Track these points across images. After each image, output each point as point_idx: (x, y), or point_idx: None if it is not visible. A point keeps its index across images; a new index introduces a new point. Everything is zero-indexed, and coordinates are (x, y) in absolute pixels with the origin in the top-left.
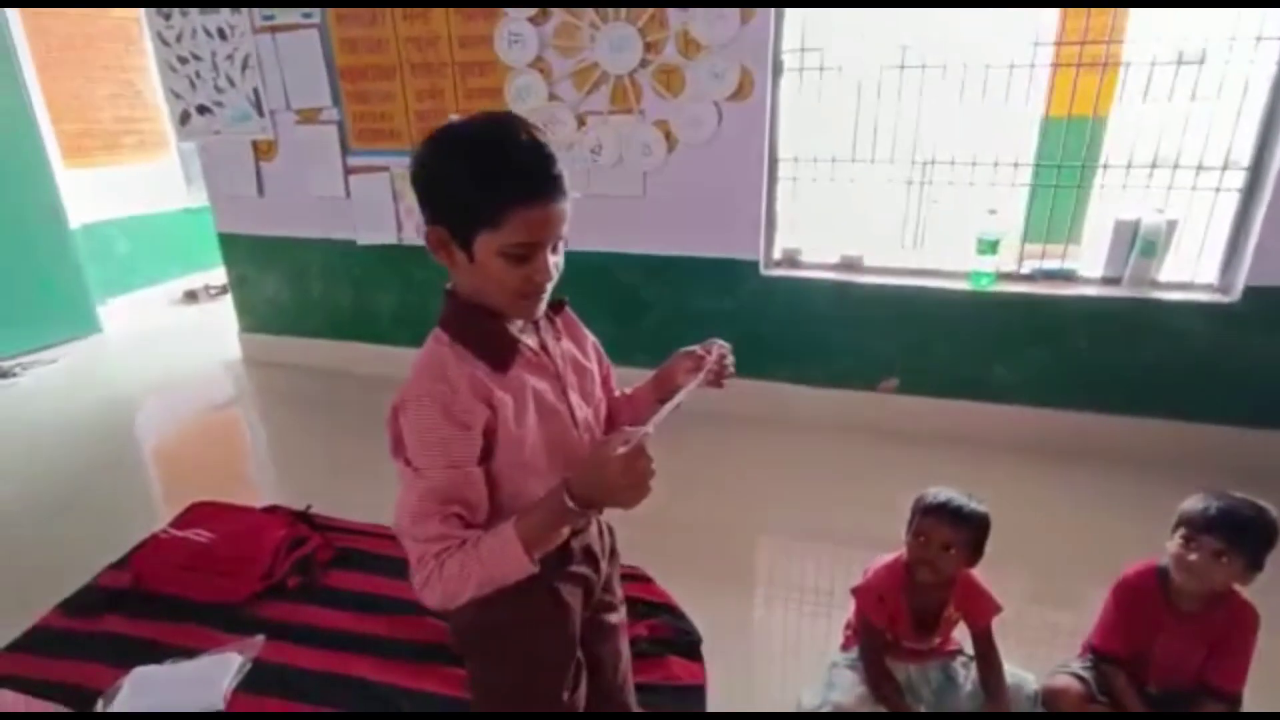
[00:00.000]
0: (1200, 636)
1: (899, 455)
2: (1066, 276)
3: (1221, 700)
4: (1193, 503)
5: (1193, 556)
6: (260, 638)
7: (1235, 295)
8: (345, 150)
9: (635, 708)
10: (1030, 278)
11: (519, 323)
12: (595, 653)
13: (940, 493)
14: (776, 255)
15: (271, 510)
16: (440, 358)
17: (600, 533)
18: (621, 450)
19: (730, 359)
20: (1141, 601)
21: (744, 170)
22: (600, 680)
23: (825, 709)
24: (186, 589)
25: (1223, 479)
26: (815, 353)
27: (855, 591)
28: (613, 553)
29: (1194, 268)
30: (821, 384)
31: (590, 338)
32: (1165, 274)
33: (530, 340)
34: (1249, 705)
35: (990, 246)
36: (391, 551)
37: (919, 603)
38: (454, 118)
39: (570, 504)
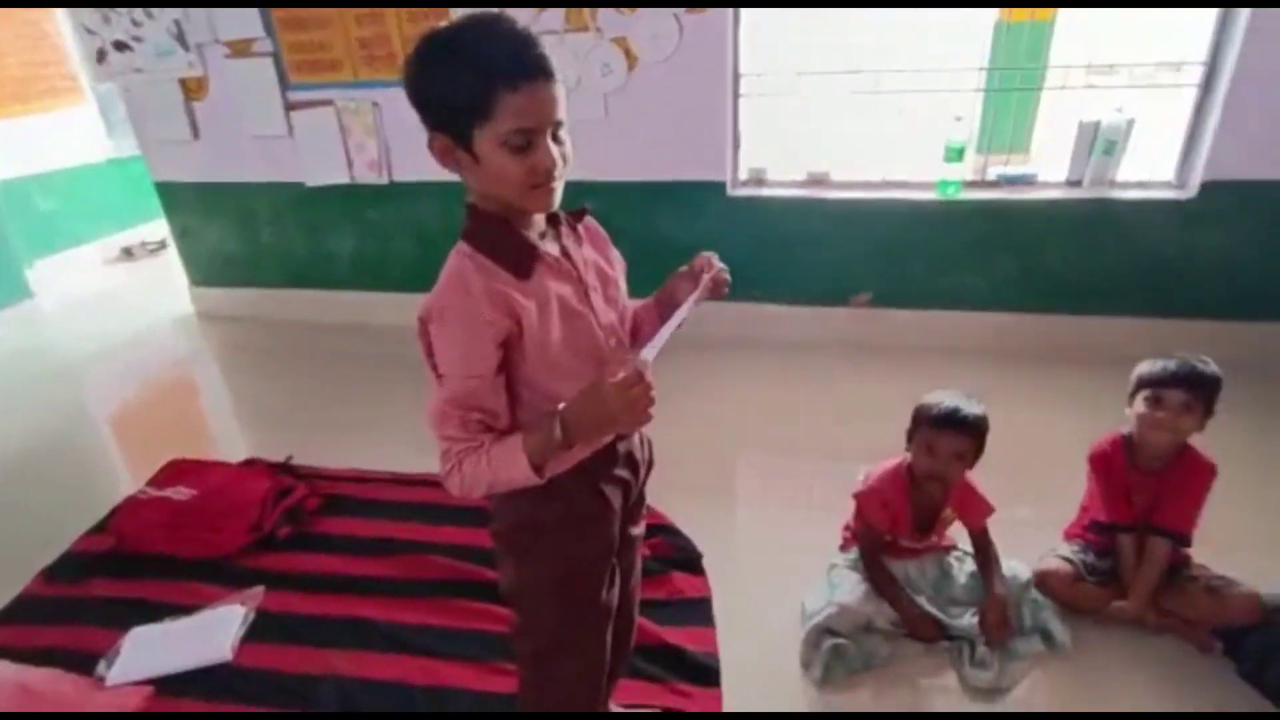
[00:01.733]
0: (1163, 490)
1: (875, 367)
2: (1029, 181)
3: (1168, 538)
4: (1149, 366)
5: (1161, 413)
6: (260, 588)
7: (1193, 191)
8: (284, 84)
9: (637, 619)
10: (995, 184)
11: (538, 230)
12: (618, 561)
13: (943, 400)
14: (743, 175)
15: (250, 464)
16: (462, 270)
17: (641, 442)
18: (620, 375)
19: (723, 266)
20: (1113, 467)
21: (708, 87)
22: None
23: (830, 610)
24: (173, 546)
25: None
26: (787, 271)
27: (858, 496)
28: (649, 464)
29: (1152, 167)
30: (794, 302)
31: (615, 250)
32: (1126, 174)
33: (551, 247)
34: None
35: (957, 153)
36: (382, 495)
37: (920, 505)
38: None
39: (557, 433)
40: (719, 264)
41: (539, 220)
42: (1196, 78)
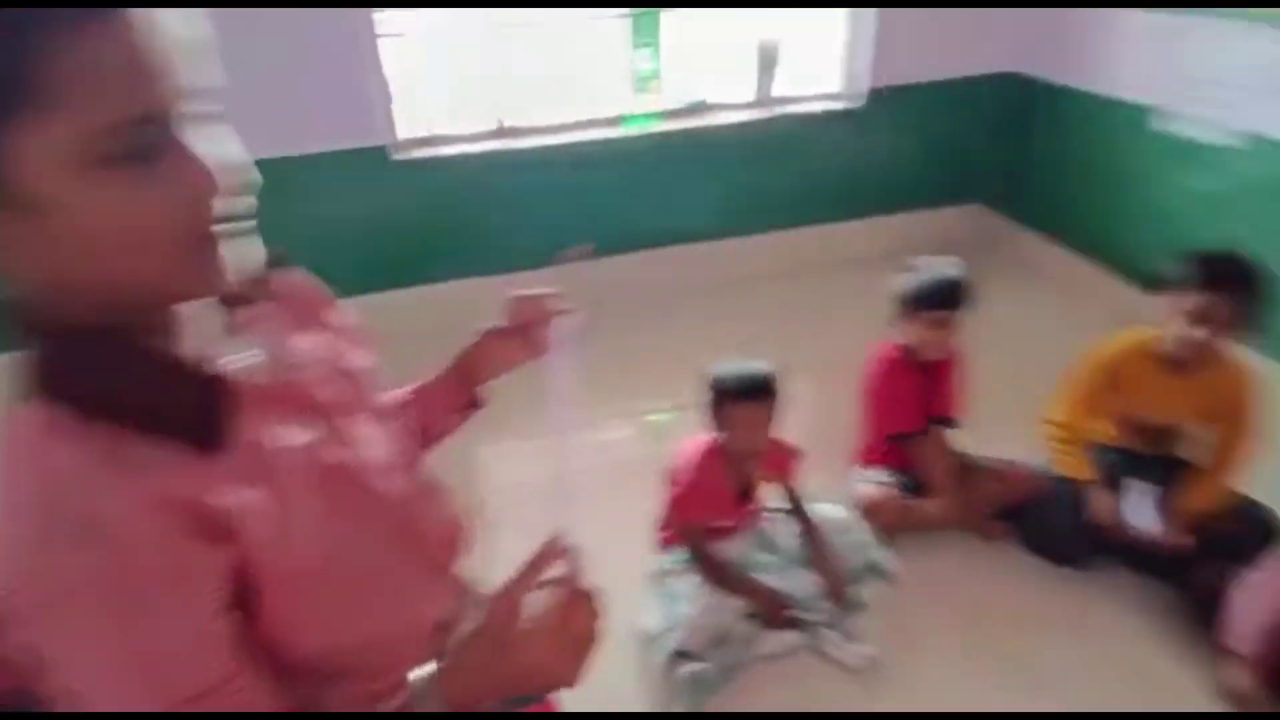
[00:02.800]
0: (934, 386)
1: (612, 323)
2: (718, 106)
3: (945, 425)
4: (911, 283)
5: (940, 333)
6: None
7: (861, 99)
8: None
9: None
10: (685, 111)
11: (199, 331)
12: None
13: (729, 371)
14: (408, 135)
15: None
16: (63, 476)
17: None
18: (546, 602)
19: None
20: (902, 376)
21: (333, 25)
22: None
23: (680, 632)
24: None
25: (891, 264)
26: (484, 239)
27: (677, 500)
28: None
29: (822, 78)
30: (499, 271)
31: (341, 311)
32: (801, 87)
33: (239, 357)
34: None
35: (647, 81)
36: None
37: (737, 478)
38: None
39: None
40: (559, 304)
41: (187, 310)
42: None
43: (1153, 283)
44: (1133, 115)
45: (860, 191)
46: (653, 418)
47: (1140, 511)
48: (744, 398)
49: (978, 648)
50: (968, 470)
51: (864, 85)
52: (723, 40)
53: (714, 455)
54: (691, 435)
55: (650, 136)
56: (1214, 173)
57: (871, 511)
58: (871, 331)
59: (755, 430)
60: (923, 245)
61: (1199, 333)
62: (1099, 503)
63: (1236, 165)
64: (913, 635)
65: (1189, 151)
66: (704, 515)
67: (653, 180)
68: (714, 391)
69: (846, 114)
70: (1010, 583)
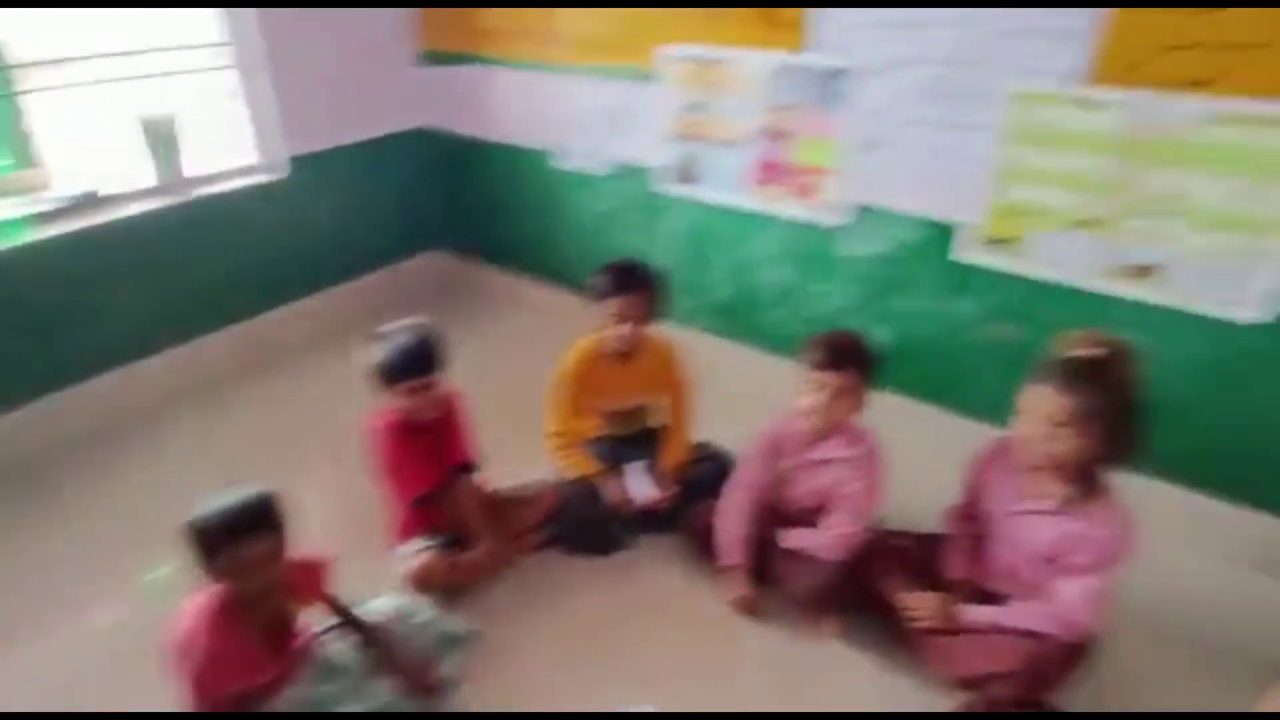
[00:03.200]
0: (441, 439)
1: (42, 486)
2: (119, 197)
3: (466, 471)
4: (380, 354)
5: (414, 400)
6: None
7: (284, 170)
8: None
9: None
10: (73, 209)
11: None
12: None
13: (211, 511)
14: None
15: None
16: None
17: None
18: None
19: None
20: (401, 440)
21: None
22: None
23: None
24: None
25: (365, 329)
26: None
27: (196, 678)
28: None
29: (237, 152)
30: None
31: None
32: (216, 164)
33: None
34: None
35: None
36: None
37: (263, 624)
38: None
39: None
40: None
41: None
42: (221, 61)
43: (587, 294)
44: (533, 157)
45: (313, 264)
46: (152, 577)
47: (638, 483)
48: (234, 537)
49: (574, 656)
50: (498, 506)
51: (283, 155)
52: (104, 124)
53: (224, 608)
54: (197, 587)
55: (31, 247)
56: (602, 196)
57: (423, 582)
58: (365, 405)
59: (262, 567)
60: (393, 303)
61: (625, 328)
62: (606, 489)
63: (615, 188)
64: (514, 680)
65: (581, 182)
66: (235, 682)
67: (53, 301)
68: (199, 540)
69: (272, 186)
70: (572, 589)
